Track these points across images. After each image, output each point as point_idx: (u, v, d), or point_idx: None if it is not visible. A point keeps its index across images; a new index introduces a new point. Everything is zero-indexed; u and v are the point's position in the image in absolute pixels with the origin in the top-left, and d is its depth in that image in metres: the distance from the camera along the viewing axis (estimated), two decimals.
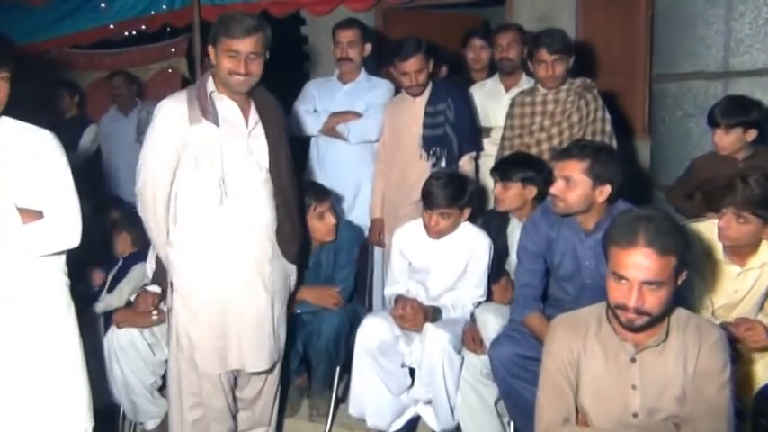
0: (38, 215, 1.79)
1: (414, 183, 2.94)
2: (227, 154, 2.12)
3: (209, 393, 2.23)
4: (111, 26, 4.74)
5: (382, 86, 3.18)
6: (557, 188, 2.12)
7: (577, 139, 2.41)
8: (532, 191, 2.51)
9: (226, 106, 2.16)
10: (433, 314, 2.42)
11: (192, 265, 2.17)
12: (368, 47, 3.16)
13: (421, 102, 2.94)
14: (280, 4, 4.75)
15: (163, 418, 2.68)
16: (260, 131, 2.20)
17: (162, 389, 2.75)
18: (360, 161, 3.13)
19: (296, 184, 2.31)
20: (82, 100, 4.66)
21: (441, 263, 2.53)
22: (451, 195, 2.43)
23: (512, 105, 2.89)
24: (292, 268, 2.36)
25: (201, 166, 2.12)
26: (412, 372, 2.47)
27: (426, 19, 4.74)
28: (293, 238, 2.26)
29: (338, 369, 2.66)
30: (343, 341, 2.59)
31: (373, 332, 2.40)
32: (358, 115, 3.10)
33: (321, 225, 2.62)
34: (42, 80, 5.09)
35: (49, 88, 4.83)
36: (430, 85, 2.94)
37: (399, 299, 2.48)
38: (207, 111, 2.11)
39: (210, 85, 2.16)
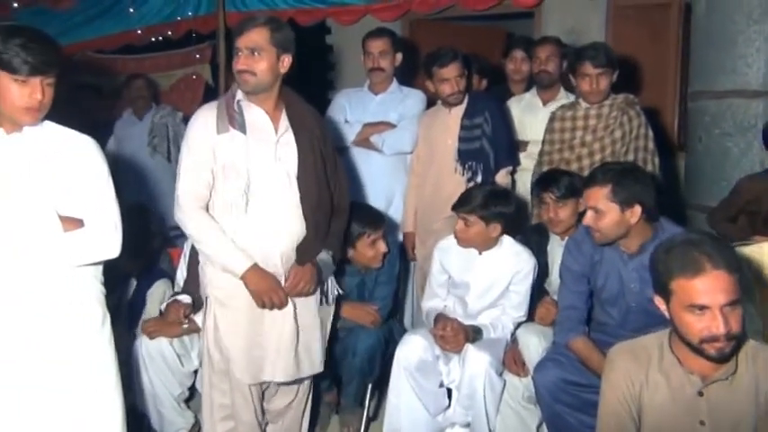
0: (78, 223, 1.71)
1: (448, 196, 2.84)
2: (254, 161, 2.04)
3: (240, 406, 2.15)
4: (139, 31, 4.67)
5: (415, 96, 3.08)
6: (588, 219, 2.03)
7: (602, 164, 2.29)
8: (582, 205, 2.40)
9: (254, 113, 2.08)
10: (474, 334, 2.31)
11: (224, 277, 2.08)
12: (399, 56, 3.07)
13: (457, 114, 2.85)
14: (306, 12, 4.68)
15: (189, 429, 2.60)
16: (289, 138, 2.10)
17: (189, 400, 2.66)
18: (393, 173, 3.03)
19: (331, 202, 2.18)
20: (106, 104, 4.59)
21: (482, 279, 2.42)
22: (476, 203, 2.33)
23: (552, 119, 2.79)
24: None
25: (228, 174, 2.04)
26: (449, 392, 2.36)
27: (453, 30, 4.66)
28: (312, 248, 2.12)
29: (370, 386, 2.55)
30: (378, 359, 2.49)
31: (413, 350, 2.30)
32: (391, 126, 3.00)
33: (372, 252, 2.50)
34: (68, 83, 5.07)
35: (74, 91, 4.79)
36: (466, 97, 2.85)
37: (440, 318, 2.37)
38: (234, 119, 2.05)
39: (240, 92, 2.09)
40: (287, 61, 2.05)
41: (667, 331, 1.67)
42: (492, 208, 2.33)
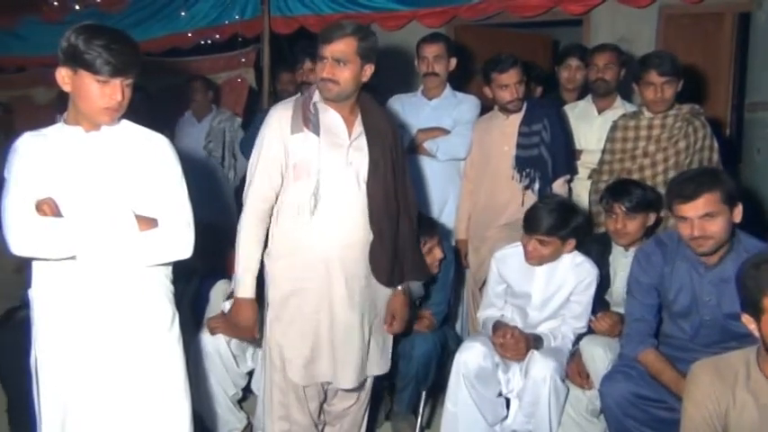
0: (153, 223, 1.71)
1: (503, 204, 2.82)
2: (325, 164, 2.03)
3: (293, 406, 2.14)
4: (190, 34, 4.70)
5: (469, 102, 3.04)
6: (700, 228, 1.93)
7: (687, 175, 2.20)
8: (651, 218, 2.34)
9: (329, 116, 2.07)
10: (535, 343, 2.26)
11: (287, 276, 2.07)
12: (453, 61, 3.03)
13: (514, 121, 2.80)
14: (352, 18, 4.67)
15: (242, 430, 2.59)
16: (362, 143, 2.09)
17: (242, 401, 2.65)
18: (446, 179, 3.00)
19: (398, 208, 2.13)
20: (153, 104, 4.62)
21: (544, 289, 2.37)
22: (554, 223, 2.28)
23: (613, 128, 2.73)
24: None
25: (299, 174, 2.03)
26: (507, 402, 2.32)
27: (498, 37, 4.62)
28: (384, 264, 2.10)
29: (424, 394, 2.52)
30: (433, 365, 2.45)
31: (473, 357, 2.25)
32: (446, 132, 2.97)
33: (429, 259, 2.46)
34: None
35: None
36: (525, 104, 2.80)
37: (499, 326, 2.32)
38: (308, 120, 2.04)
39: (317, 95, 2.08)
40: (369, 70, 2.04)
41: (754, 349, 1.61)
42: (570, 225, 2.29)
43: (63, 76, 1.64)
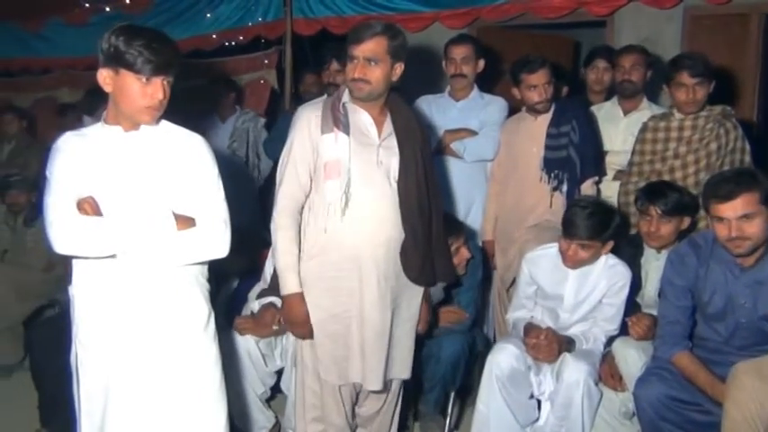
0: (191, 222, 1.72)
1: (531, 205, 2.81)
2: (355, 164, 2.03)
3: (330, 408, 2.14)
4: (214, 35, 4.73)
5: (496, 103, 3.04)
6: (738, 229, 1.91)
7: (724, 175, 2.17)
8: (686, 222, 2.33)
9: (359, 116, 2.08)
10: (567, 345, 2.25)
11: (318, 275, 2.08)
12: (481, 63, 3.03)
13: (542, 122, 2.80)
14: (374, 19, 4.68)
15: (270, 429, 2.60)
16: (392, 143, 2.09)
17: (270, 400, 2.66)
18: (472, 180, 3.00)
19: (429, 206, 2.14)
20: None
21: (576, 292, 2.36)
22: (595, 227, 2.25)
23: (643, 130, 2.71)
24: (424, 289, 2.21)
25: (329, 173, 2.04)
26: (538, 404, 2.31)
27: (521, 38, 4.60)
28: (416, 261, 2.10)
29: (453, 395, 2.51)
30: (461, 367, 2.45)
31: (505, 359, 2.25)
32: (473, 133, 2.96)
33: (456, 259, 2.45)
34: None
35: None
36: (553, 105, 2.80)
37: (531, 327, 2.32)
38: (338, 120, 2.05)
39: (346, 95, 2.09)
40: (399, 69, 2.05)
41: None
42: (610, 227, 2.27)
43: (104, 76, 1.65)
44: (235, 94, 4.30)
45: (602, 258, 2.36)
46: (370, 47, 1.97)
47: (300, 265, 2.09)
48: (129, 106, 1.67)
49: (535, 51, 4.14)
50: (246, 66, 4.99)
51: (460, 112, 3.03)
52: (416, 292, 2.18)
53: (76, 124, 4.57)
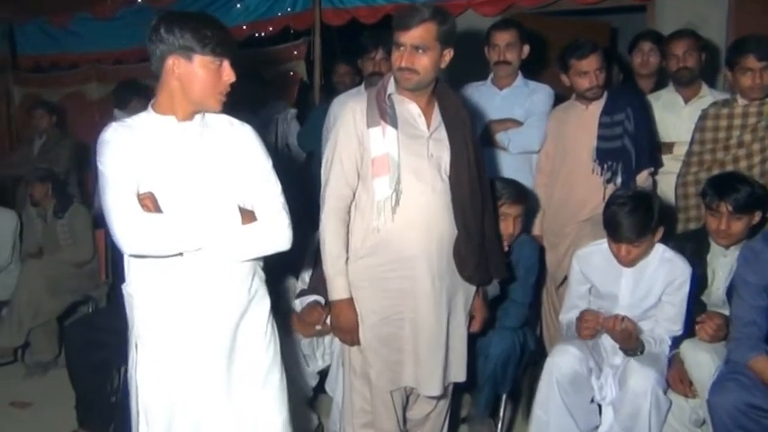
0: (253, 215, 1.63)
1: (582, 199, 2.62)
2: (405, 158, 1.88)
3: (381, 413, 2.00)
4: (244, 27, 4.59)
5: (542, 91, 2.83)
6: None
7: None
8: (757, 217, 2.13)
9: (406, 108, 1.92)
10: (635, 343, 2.09)
11: (367, 277, 1.94)
12: (526, 49, 2.84)
13: (594, 110, 2.60)
14: (401, 8, 4.50)
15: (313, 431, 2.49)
16: (442, 134, 1.94)
17: (312, 401, 2.54)
18: (517, 173, 2.76)
19: (482, 201, 1.98)
20: None
21: (632, 290, 2.18)
22: (641, 223, 2.06)
23: (702, 117, 2.51)
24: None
25: (378, 170, 1.88)
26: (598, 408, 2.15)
27: (557, 25, 4.38)
28: (470, 259, 1.95)
29: (504, 397, 2.36)
30: (511, 366, 2.29)
31: (567, 362, 2.08)
32: (518, 123, 2.78)
33: (502, 226, 2.26)
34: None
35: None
36: (605, 92, 2.60)
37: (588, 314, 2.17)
38: (385, 112, 1.89)
39: (391, 86, 1.93)
40: (448, 56, 1.89)
41: None
42: (654, 216, 2.08)
43: (174, 63, 1.56)
44: (263, 85, 4.15)
45: (658, 250, 2.16)
46: (419, 33, 1.81)
47: (348, 265, 1.95)
48: (201, 92, 1.58)
49: (570, 38, 3.97)
50: (276, 57, 4.85)
51: (504, 101, 2.84)
52: (471, 290, 2.03)
53: (108, 119, 4.49)
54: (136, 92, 4.28)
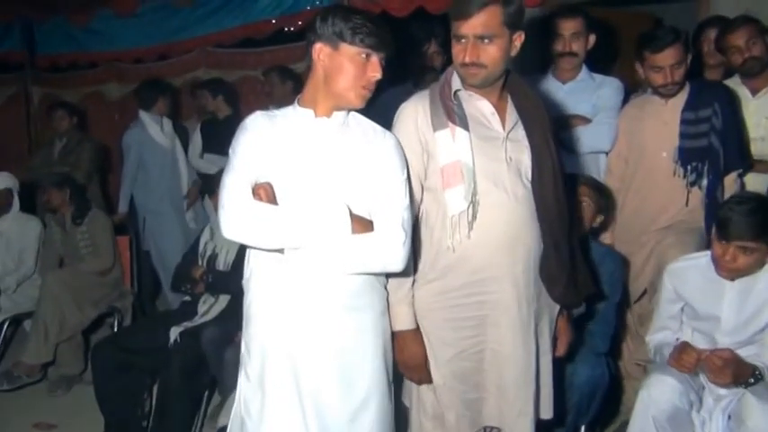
0: (368, 226, 1.48)
1: (661, 204, 2.31)
2: (481, 164, 1.58)
3: None
4: (274, 21, 4.30)
5: (610, 85, 2.51)
6: None
7: None
8: None
9: (476, 105, 1.62)
10: (752, 374, 1.78)
11: (439, 304, 1.64)
12: (592, 38, 2.51)
13: (675, 105, 2.28)
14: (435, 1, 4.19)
15: None
16: (520, 134, 1.64)
17: None
18: None
19: (566, 203, 1.68)
20: (229, 99, 4.24)
21: (737, 311, 1.86)
22: (760, 225, 1.76)
23: None
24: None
25: (449, 180, 1.58)
26: None
27: (598, 15, 4.04)
28: (560, 277, 1.65)
29: (583, 429, 2.06)
30: (598, 396, 1.99)
31: (665, 395, 1.78)
32: (586, 120, 2.46)
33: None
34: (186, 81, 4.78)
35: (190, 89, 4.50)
36: (687, 85, 2.28)
37: (687, 348, 1.86)
38: (452, 112, 1.59)
39: (456, 81, 1.62)
40: (519, 41, 1.58)
41: None
42: None
43: (321, 52, 1.48)
44: (292, 83, 3.86)
45: (765, 267, 1.86)
46: (481, 21, 1.50)
47: (416, 290, 1.65)
48: (344, 85, 1.48)
49: (611, 29, 3.64)
50: (300, 54, 4.51)
51: (568, 96, 2.52)
52: (555, 309, 1.73)
53: (130, 121, 4.22)
54: (160, 91, 4.03)
